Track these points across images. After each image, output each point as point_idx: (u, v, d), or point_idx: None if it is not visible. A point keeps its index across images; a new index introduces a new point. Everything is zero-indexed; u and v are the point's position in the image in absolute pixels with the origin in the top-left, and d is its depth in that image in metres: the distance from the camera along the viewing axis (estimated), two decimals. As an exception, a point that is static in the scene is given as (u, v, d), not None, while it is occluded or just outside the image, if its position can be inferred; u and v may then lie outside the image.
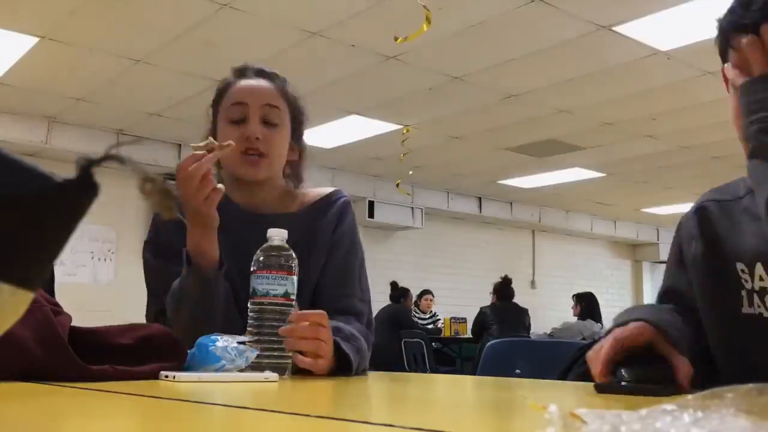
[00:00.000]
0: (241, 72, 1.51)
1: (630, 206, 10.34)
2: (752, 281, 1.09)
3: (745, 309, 1.09)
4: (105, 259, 7.22)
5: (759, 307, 1.08)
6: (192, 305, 1.30)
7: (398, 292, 7.98)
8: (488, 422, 0.70)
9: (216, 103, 1.49)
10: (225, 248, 1.32)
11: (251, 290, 1.14)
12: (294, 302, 1.15)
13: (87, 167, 0.38)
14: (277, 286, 1.12)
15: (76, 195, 0.39)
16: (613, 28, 4.33)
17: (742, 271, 1.10)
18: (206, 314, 1.29)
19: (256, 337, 1.10)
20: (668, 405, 0.41)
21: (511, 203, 10.14)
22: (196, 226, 1.27)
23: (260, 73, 1.51)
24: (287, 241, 1.19)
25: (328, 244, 1.47)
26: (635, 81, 5.21)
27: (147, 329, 1.04)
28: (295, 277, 1.15)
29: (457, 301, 9.38)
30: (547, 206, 10.43)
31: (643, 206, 10.32)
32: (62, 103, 6.00)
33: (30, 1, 4.10)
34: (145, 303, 1.44)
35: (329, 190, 1.56)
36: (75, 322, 0.96)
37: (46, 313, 0.88)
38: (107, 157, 0.38)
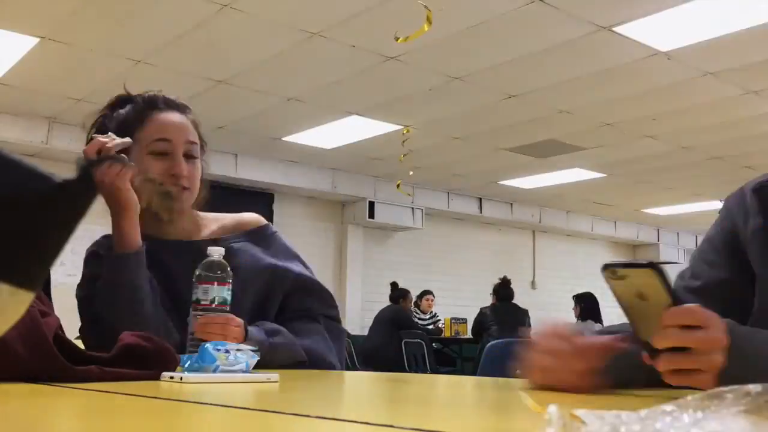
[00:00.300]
0: (152, 102, 1.51)
1: (630, 207, 10.34)
2: None
3: None
4: (105, 260, 7.21)
5: None
6: (117, 289, 1.35)
7: (397, 293, 7.96)
8: (488, 423, 0.70)
9: (128, 129, 1.44)
10: (159, 279, 1.41)
11: (194, 299, 1.30)
12: (227, 308, 1.32)
13: (87, 168, 0.39)
14: (215, 294, 1.30)
15: (76, 195, 0.39)
16: (614, 29, 4.33)
17: None
18: (131, 297, 1.34)
19: (197, 341, 1.22)
20: (668, 405, 0.41)
21: (511, 204, 10.14)
22: (116, 209, 1.35)
23: (173, 106, 1.52)
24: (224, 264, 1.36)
25: (268, 271, 1.53)
26: (636, 81, 5.21)
27: (132, 336, 1.02)
28: (230, 288, 1.32)
29: (457, 302, 9.38)
30: (548, 207, 10.43)
31: (643, 207, 10.32)
32: (62, 103, 6.00)
33: (31, 1, 4.10)
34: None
35: (251, 217, 1.65)
36: (74, 323, 0.96)
37: (33, 313, 0.86)
38: (107, 158, 0.39)
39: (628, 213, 10.82)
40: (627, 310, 0.90)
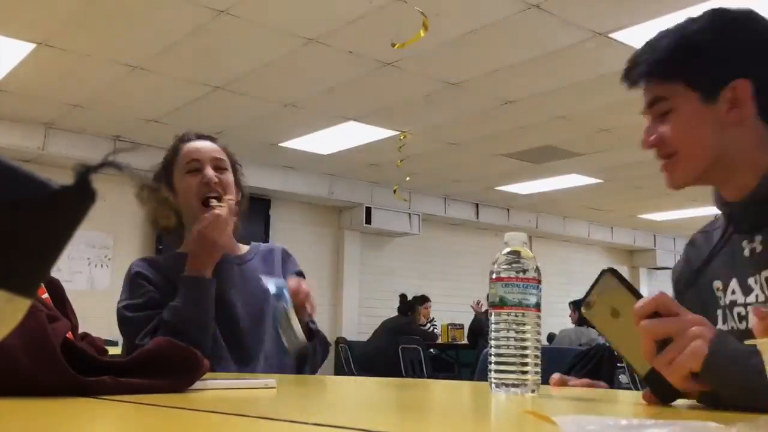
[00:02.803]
0: (183, 137, 1.83)
1: (627, 212, 10.35)
2: (725, 297, 1.11)
3: (719, 326, 1.11)
4: (101, 266, 7.21)
5: (730, 321, 1.10)
6: (199, 307, 1.60)
7: (405, 306, 7.95)
8: (484, 429, 0.70)
9: (169, 164, 1.78)
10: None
11: (497, 299, 1.00)
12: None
13: (84, 174, 0.38)
14: (528, 296, 1.00)
15: (73, 202, 0.39)
16: (610, 35, 4.34)
17: (717, 288, 1.14)
18: (208, 316, 1.61)
19: (499, 350, 0.99)
20: (650, 420, 0.40)
21: (508, 209, 10.14)
22: (203, 253, 1.64)
23: (200, 137, 1.84)
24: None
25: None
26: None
27: (154, 343, 0.93)
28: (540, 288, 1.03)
29: (454, 308, 9.37)
30: (544, 212, 10.44)
31: (640, 212, 10.34)
32: (59, 109, 6.00)
33: (27, 7, 4.10)
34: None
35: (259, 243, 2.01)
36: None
37: (40, 320, 0.78)
38: (104, 164, 0.38)
39: (625, 218, 10.84)
40: (616, 346, 0.92)
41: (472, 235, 10.35)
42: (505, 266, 1.00)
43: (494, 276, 1.00)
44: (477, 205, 9.85)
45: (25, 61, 4.86)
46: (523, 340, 0.97)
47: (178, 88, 5.32)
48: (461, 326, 8.59)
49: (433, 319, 8.73)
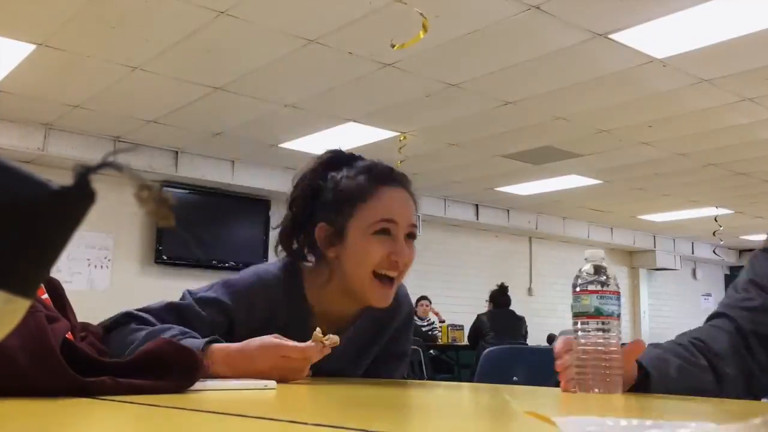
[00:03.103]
0: (382, 176, 1.44)
1: (627, 213, 10.35)
2: None
3: None
4: (101, 266, 7.21)
5: None
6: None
7: None
8: (484, 429, 0.70)
9: (349, 203, 1.40)
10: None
11: (590, 309, 1.12)
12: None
13: (84, 174, 0.38)
14: (613, 306, 1.13)
15: (73, 202, 0.39)
16: (610, 36, 4.34)
17: None
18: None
19: (586, 355, 1.10)
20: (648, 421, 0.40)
21: (508, 210, 10.14)
22: (250, 364, 1.17)
23: (399, 180, 1.46)
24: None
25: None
26: (631, 88, 5.22)
27: (154, 344, 0.92)
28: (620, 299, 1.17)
29: (454, 309, 9.37)
30: (544, 213, 10.44)
31: (639, 213, 10.34)
32: (59, 110, 5.99)
33: (27, 8, 4.10)
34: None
35: None
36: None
37: (39, 321, 0.78)
38: (104, 165, 0.38)
39: (625, 219, 10.84)
40: None
41: (472, 236, 10.35)
42: (589, 279, 1.13)
43: (578, 288, 1.13)
44: (477, 206, 9.85)
45: (25, 61, 4.86)
46: (609, 345, 1.10)
47: (178, 89, 5.32)
48: (461, 327, 8.58)
49: (434, 322, 8.71)
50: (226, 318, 1.36)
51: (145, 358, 0.88)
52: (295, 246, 1.48)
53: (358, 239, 1.38)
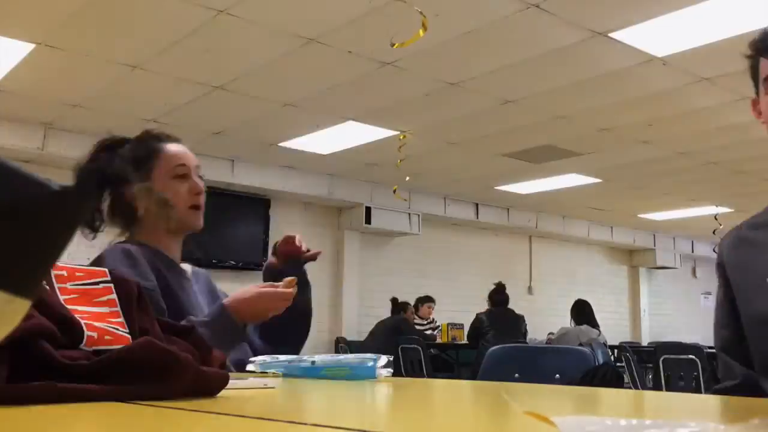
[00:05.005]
0: (161, 137, 1.77)
1: (627, 212, 10.35)
2: None
3: None
4: (101, 266, 7.20)
5: None
6: (225, 345, 1.51)
7: (398, 307, 8.09)
8: (483, 429, 0.70)
9: (146, 162, 1.70)
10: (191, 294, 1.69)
11: None
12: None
13: (85, 175, 0.38)
14: None
15: (73, 202, 0.39)
16: (610, 35, 4.34)
17: None
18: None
19: None
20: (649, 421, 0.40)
21: (508, 209, 10.14)
22: (254, 316, 1.61)
23: (173, 139, 1.80)
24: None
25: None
26: (631, 87, 5.22)
27: (135, 344, 0.78)
28: None
29: (454, 307, 9.37)
30: (544, 212, 10.44)
31: (639, 212, 10.34)
32: (58, 109, 5.99)
33: (26, 7, 4.10)
34: None
35: None
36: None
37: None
38: (104, 165, 0.38)
39: (625, 218, 10.84)
40: None
41: (472, 235, 10.35)
42: None
43: None
44: (477, 204, 9.85)
45: (25, 61, 4.85)
46: None
47: (178, 88, 5.32)
48: (461, 326, 8.58)
49: (434, 320, 8.72)
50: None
51: (117, 359, 0.76)
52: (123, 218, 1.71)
53: (162, 184, 1.69)
